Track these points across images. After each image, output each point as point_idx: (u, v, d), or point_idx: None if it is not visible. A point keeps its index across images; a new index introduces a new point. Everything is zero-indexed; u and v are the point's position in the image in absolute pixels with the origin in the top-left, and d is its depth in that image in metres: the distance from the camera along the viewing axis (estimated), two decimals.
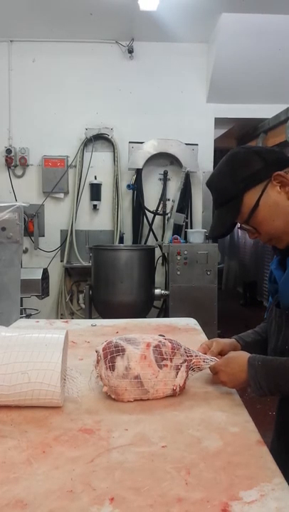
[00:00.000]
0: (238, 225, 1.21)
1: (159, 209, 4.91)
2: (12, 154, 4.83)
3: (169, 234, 4.65)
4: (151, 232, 4.90)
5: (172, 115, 4.94)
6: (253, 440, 0.96)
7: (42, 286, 3.67)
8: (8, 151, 4.83)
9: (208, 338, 1.71)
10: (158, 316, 4.69)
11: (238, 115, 5.04)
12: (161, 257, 4.82)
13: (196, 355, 1.24)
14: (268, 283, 1.33)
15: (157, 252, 4.61)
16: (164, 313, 4.71)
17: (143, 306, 4.34)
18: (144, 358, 1.15)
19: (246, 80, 4.69)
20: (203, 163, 4.94)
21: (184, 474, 0.83)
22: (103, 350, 1.19)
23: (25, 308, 3.86)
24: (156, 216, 4.91)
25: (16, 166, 4.91)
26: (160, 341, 1.20)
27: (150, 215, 4.87)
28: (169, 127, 4.90)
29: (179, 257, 4.25)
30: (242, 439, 0.97)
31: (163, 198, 4.94)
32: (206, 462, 0.87)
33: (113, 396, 1.16)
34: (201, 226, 4.94)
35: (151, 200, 4.92)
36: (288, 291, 1.17)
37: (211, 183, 1.21)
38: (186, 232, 4.60)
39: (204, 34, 4.69)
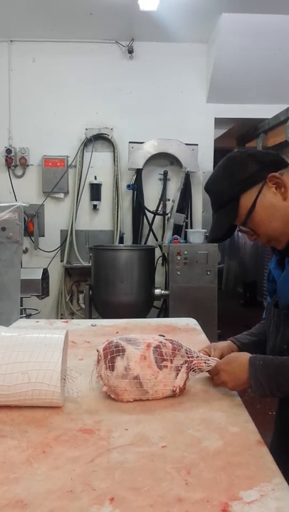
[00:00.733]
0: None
1: (159, 209, 4.90)
2: (12, 154, 4.83)
3: (169, 234, 4.64)
4: (151, 232, 4.90)
5: (172, 115, 4.94)
6: (253, 440, 0.96)
7: (42, 286, 3.67)
8: (8, 151, 4.82)
9: (209, 339, 1.71)
10: (158, 316, 4.68)
11: (238, 115, 5.04)
12: (161, 257, 4.81)
13: (198, 356, 1.24)
14: (266, 283, 1.33)
15: (157, 252, 4.61)
16: (164, 313, 4.71)
17: (143, 306, 4.34)
18: (144, 359, 1.15)
19: (246, 80, 4.68)
20: (203, 163, 4.93)
21: (183, 474, 0.83)
22: (103, 350, 1.19)
23: (25, 309, 3.85)
24: (156, 216, 4.90)
25: (16, 166, 4.91)
26: (161, 342, 1.20)
27: (150, 215, 4.86)
28: (169, 127, 4.89)
29: (178, 257, 4.25)
30: (242, 439, 0.97)
31: (163, 198, 4.93)
32: (206, 462, 0.87)
33: (113, 396, 1.16)
34: (201, 226, 4.93)
35: (151, 200, 4.92)
36: (287, 291, 1.18)
37: (209, 187, 1.24)
38: (186, 232, 4.60)
39: (204, 34, 4.68)
